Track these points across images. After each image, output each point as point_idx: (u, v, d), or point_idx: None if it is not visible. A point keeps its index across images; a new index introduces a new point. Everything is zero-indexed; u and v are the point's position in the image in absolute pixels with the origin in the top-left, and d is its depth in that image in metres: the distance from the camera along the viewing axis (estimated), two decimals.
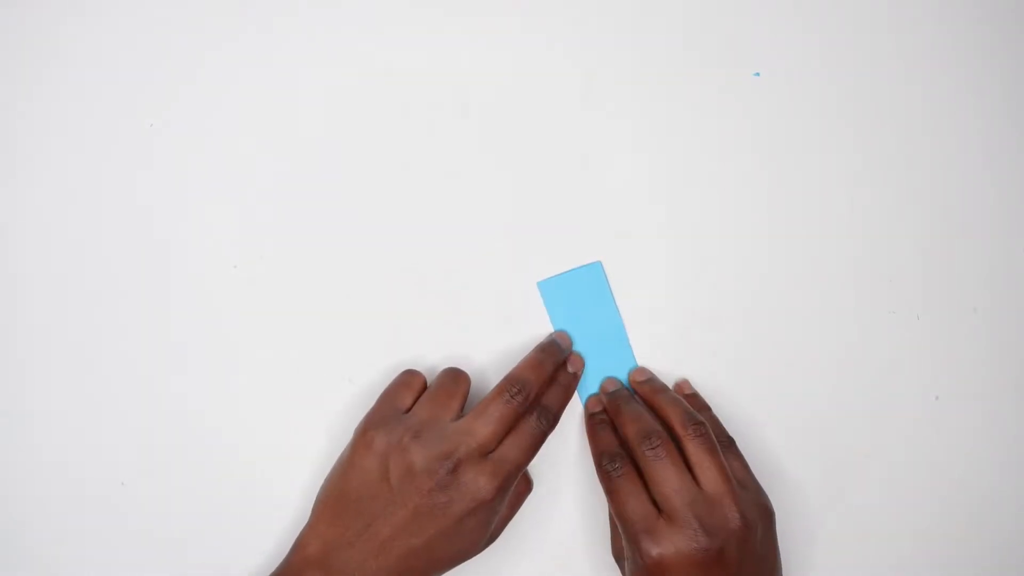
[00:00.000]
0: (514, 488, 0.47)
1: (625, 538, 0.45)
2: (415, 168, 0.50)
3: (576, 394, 0.50)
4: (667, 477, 0.44)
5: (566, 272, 0.50)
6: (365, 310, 0.50)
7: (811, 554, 0.50)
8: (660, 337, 0.50)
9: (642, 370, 0.50)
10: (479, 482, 0.43)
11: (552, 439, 0.47)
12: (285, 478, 0.49)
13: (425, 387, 0.47)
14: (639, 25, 0.51)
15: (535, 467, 0.49)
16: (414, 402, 0.46)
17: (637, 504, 0.44)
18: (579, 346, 0.50)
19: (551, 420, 0.46)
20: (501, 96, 0.51)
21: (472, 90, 0.51)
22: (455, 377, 0.47)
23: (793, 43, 0.52)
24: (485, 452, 0.44)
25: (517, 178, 0.51)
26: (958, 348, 0.51)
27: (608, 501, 0.46)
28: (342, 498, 0.44)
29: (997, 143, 0.52)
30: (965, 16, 0.53)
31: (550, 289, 0.50)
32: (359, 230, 0.50)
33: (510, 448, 0.44)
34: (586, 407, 0.50)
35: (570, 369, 0.49)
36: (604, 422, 0.49)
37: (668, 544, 0.43)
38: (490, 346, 0.50)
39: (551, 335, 0.49)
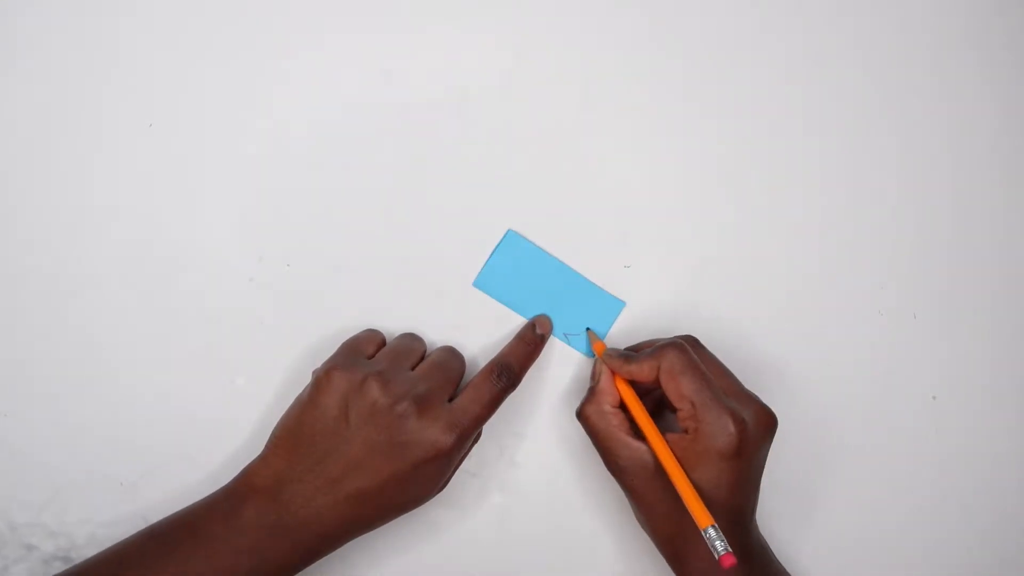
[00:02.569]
0: None
1: (701, 410, 0.42)
2: (414, 168, 0.50)
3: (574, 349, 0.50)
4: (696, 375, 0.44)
5: (490, 258, 0.50)
6: (362, 310, 0.50)
7: (808, 554, 0.50)
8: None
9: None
10: (437, 429, 0.43)
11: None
12: None
13: (385, 344, 0.48)
14: (638, 26, 0.52)
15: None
16: (376, 352, 0.47)
17: (697, 373, 0.43)
18: (545, 309, 0.50)
19: (511, 378, 0.46)
20: (501, 96, 0.51)
21: (472, 90, 0.51)
22: (414, 337, 0.48)
23: (792, 43, 0.52)
24: (446, 396, 0.44)
25: (517, 178, 0.51)
26: (956, 348, 0.51)
27: (667, 383, 0.44)
28: (297, 433, 0.44)
29: (997, 142, 0.52)
30: (968, 16, 0.53)
31: (486, 281, 0.50)
32: (357, 230, 0.50)
33: (468, 400, 0.45)
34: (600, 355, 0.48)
35: (537, 331, 0.49)
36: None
37: (748, 408, 0.43)
38: (496, 343, 0.50)
39: (530, 322, 0.49)
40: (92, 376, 0.49)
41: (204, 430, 0.49)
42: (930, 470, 0.51)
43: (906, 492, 0.51)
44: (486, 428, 0.48)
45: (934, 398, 0.51)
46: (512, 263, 0.50)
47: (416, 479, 0.43)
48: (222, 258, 0.50)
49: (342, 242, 0.50)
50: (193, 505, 0.44)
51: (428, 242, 0.50)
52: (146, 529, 0.43)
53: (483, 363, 0.47)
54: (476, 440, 0.48)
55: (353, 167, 0.50)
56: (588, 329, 0.50)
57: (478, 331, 0.50)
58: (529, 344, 0.48)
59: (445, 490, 0.47)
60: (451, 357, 0.47)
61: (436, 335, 0.50)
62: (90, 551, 0.45)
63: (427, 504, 0.45)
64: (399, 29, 0.51)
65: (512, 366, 0.46)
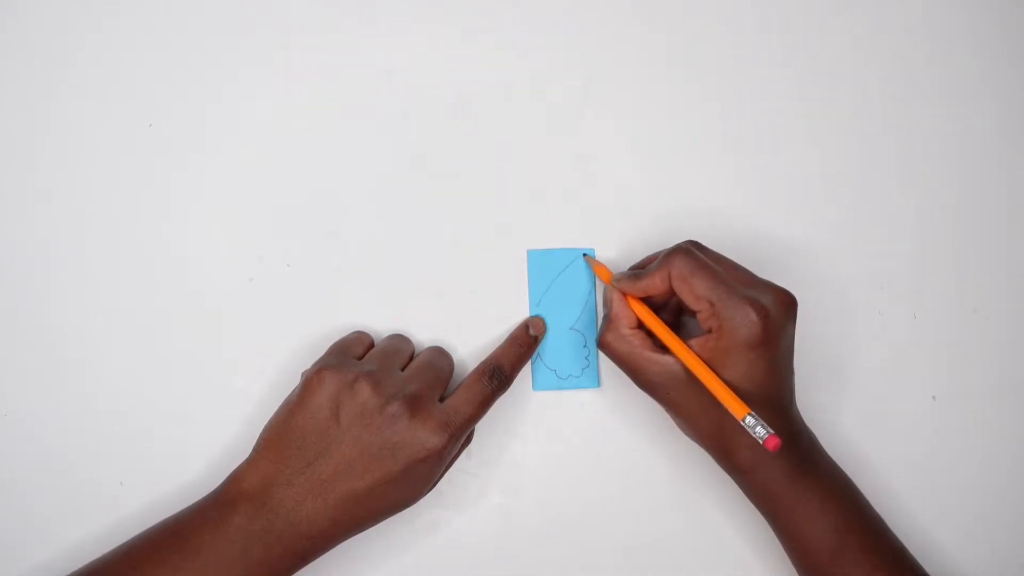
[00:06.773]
0: None
1: (720, 306, 0.42)
2: (414, 169, 0.51)
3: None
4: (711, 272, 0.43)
5: (557, 249, 0.50)
6: (361, 310, 0.50)
7: None
8: None
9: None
10: (428, 429, 0.42)
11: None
12: None
13: (373, 346, 0.48)
14: (638, 26, 0.52)
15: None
16: (364, 354, 0.47)
17: (708, 271, 0.43)
18: (554, 319, 0.50)
19: (503, 380, 0.46)
20: (501, 96, 0.51)
21: (472, 90, 0.51)
22: (402, 338, 0.48)
23: (793, 43, 0.52)
24: (436, 397, 0.44)
25: (517, 179, 0.51)
26: (956, 348, 0.51)
27: (680, 287, 0.43)
28: (287, 435, 0.43)
29: (998, 141, 0.52)
30: (969, 15, 0.53)
31: (536, 259, 0.50)
32: (356, 231, 0.50)
33: (460, 401, 0.44)
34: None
35: (531, 332, 0.49)
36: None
37: (765, 293, 0.43)
38: (492, 344, 0.50)
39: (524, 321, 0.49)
40: (91, 376, 0.49)
41: (203, 430, 0.49)
42: (929, 470, 0.51)
43: (905, 492, 0.50)
44: (486, 428, 0.48)
45: (934, 398, 0.51)
46: (564, 267, 0.50)
47: (407, 480, 0.43)
48: (222, 258, 0.50)
49: (341, 242, 0.50)
50: (181, 513, 0.43)
51: (427, 242, 0.50)
52: (134, 540, 0.43)
53: (475, 364, 0.47)
54: (468, 441, 0.48)
55: (353, 167, 0.50)
56: (585, 255, 0.50)
57: (478, 331, 0.50)
58: (522, 346, 0.48)
59: (445, 490, 0.47)
60: (440, 357, 0.47)
61: (433, 335, 0.50)
62: (90, 552, 0.44)
63: (427, 504, 0.45)
64: (399, 29, 0.51)
65: (504, 367, 0.46)
